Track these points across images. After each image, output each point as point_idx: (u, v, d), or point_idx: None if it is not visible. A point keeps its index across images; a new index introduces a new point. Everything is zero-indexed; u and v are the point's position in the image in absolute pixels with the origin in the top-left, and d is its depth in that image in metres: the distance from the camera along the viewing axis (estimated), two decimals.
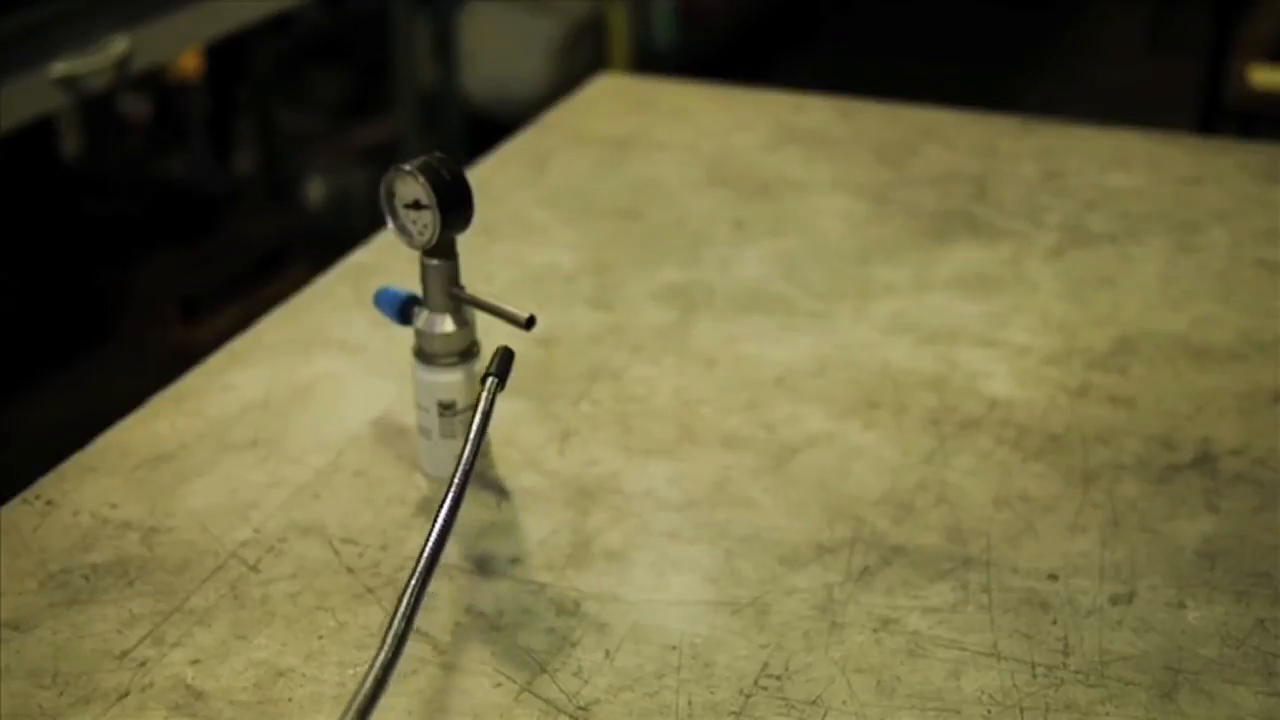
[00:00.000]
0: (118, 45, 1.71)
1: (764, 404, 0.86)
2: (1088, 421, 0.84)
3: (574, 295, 0.99)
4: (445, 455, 0.78)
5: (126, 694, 0.65)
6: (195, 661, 0.67)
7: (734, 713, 0.63)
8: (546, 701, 0.64)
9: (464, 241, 0.76)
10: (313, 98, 3.18)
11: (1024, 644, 0.67)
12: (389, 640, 0.59)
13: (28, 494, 0.79)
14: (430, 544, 0.63)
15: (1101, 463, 0.80)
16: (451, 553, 0.74)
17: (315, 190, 2.92)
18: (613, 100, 1.33)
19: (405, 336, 0.78)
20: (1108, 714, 0.63)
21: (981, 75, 3.55)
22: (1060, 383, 0.88)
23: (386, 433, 0.84)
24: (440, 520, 0.64)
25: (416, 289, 0.77)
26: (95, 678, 0.66)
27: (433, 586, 0.71)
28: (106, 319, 2.39)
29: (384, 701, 0.64)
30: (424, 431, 0.79)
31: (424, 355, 0.77)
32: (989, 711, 0.63)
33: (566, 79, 2.80)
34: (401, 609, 0.60)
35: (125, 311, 2.40)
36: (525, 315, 0.73)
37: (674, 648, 0.67)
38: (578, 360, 0.91)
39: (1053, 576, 0.71)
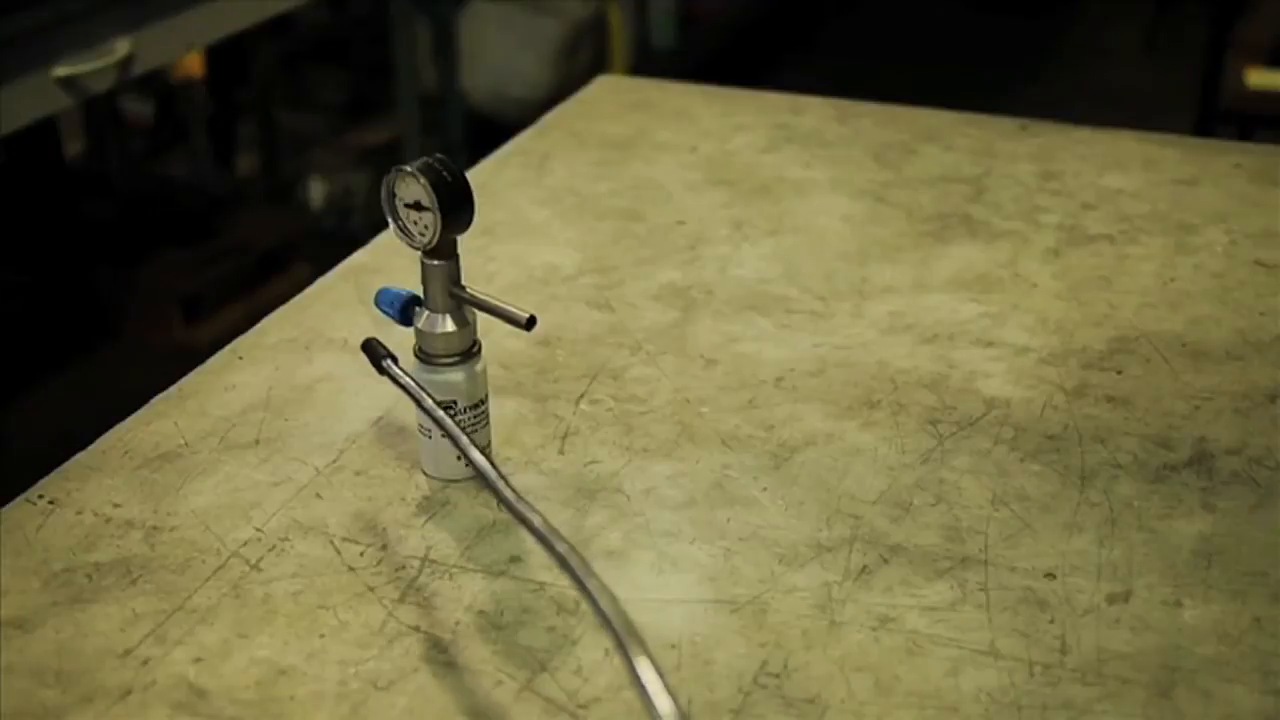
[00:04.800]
0: (120, 48, 1.71)
1: (763, 404, 0.87)
2: (1085, 421, 0.84)
3: (574, 295, 0.99)
4: (446, 455, 0.79)
5: (129, 692, 0.65)
6: (197, 660, 0.67)
7: (733, 711, 0.64)
8: (547, 700, 0.65)
9: (464, 242, 0.76)
10: (314, 99, 3.19)
11: (1021, 642, 0.67)
12: None
13: (31, 493, 0.79)
14: None
15: (1098, 462, 0.80)
16: (452, 552, 0.74)
17: (316, 191, 2.92)
18: (613, 101, 1.33)
19: (406, 337, 0.78)
20: (1105, 712, 0.63)
21: (980, 77, 3.56)
22: (1057, 383, 0.88)
23: (387, 433, 0.84)
24: None
25: (417, 289, 0.77)
26: (98, 676, 0.66)
27: (434, 585, 0.72)
28: (109, 319, 2.40)
29: (385, 700, 0.65)
30: (424, 431, 0.79)
31: (425, 355, 0.77)
32: (987, 710, 0.64)
33: (567, 80, 2.81)
34: None
35: (127, 312, 2.41)
36: (526, 315, 0.74)
37: (674, 646, 0.68)
38: (578, 360, 0.91)
39: (1050, 575, 0.72)
